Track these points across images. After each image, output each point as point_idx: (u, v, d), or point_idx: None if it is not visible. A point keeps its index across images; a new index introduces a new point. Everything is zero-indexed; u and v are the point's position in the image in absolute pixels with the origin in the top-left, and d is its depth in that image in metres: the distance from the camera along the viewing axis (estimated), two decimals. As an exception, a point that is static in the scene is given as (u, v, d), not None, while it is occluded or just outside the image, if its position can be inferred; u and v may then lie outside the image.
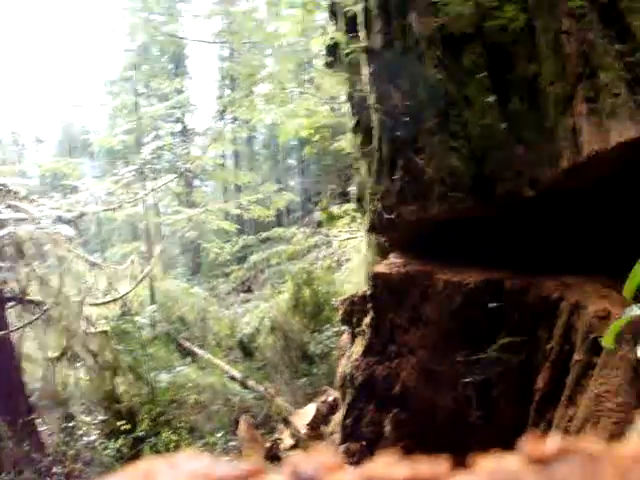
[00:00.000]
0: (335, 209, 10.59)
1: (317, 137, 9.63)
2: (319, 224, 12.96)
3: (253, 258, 14.35)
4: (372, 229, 6.14)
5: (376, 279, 5.26)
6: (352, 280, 10.89)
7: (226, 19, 12.95)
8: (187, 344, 12.93)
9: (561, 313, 4.02)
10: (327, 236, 12.46)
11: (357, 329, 6.13)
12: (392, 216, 5.41)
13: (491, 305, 4.34)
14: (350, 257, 11.95)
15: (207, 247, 15.39)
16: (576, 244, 4.49)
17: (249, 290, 16.43)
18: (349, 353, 6.19)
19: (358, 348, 5.84)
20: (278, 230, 13.87)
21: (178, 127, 21.98)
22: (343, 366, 6.17)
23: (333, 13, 6.22)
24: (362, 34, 5.55)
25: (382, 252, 6.62)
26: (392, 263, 5.20)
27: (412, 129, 5.12)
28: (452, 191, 4.76)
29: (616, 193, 4.24)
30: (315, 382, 10.73)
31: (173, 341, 12.78)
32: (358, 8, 5.55)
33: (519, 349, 4.41)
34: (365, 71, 5.66)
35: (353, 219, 11.14)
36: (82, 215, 9.71)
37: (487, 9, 4.57)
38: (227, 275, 15.66)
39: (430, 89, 4.97)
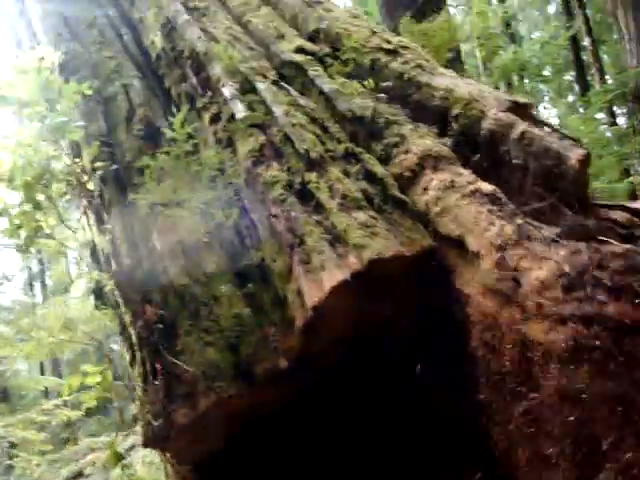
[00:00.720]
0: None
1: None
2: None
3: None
4: (146, 442, 5.65)
5: None
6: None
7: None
8: None
9: None
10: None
11: None
12: (163, 424, 5.03)
13: None
14: None
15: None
16: None
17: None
18: None
19: None
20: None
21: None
22: None
23: (94, 253, 6.16)
24: (113, 263, 5.44)
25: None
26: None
27: (169, 335, 5.09)
28: (215, 382, 4.70)
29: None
30: None
31: None
32: (106, 239, 5.48)
33: None
34: (118, 294, 5.54)
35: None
36: None
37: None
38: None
39: (179, 295, 5.10)
